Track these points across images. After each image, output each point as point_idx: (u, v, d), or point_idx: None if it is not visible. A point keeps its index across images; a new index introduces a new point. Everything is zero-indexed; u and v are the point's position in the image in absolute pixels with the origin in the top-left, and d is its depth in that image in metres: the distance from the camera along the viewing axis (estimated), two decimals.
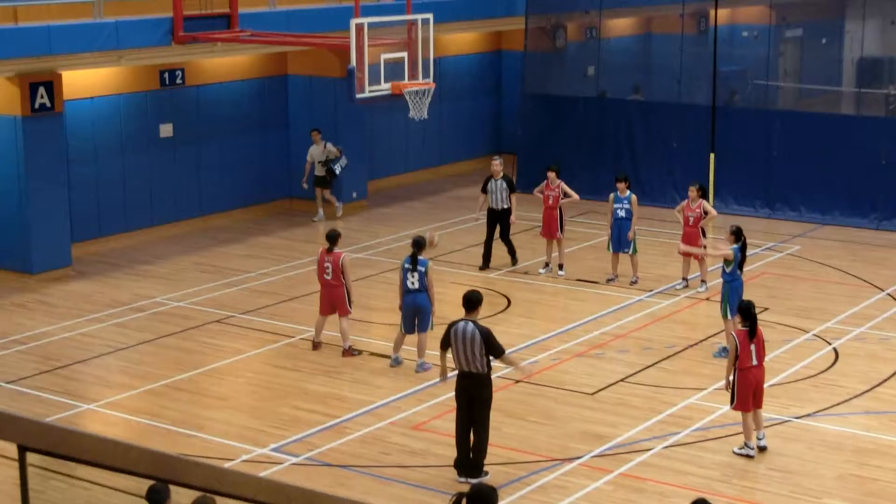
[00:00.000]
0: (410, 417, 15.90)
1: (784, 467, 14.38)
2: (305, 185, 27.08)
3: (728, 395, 14.78)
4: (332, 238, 18.28)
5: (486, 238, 23.01)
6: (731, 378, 14.59)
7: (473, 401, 13.81)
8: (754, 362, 14.45)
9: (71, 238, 23.16)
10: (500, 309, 20.74)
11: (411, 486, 13.80)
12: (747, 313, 14.59)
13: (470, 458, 13.92)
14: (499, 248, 23.04)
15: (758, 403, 14.64)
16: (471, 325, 13.70)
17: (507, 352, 14.35)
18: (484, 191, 22.90)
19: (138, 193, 25.36)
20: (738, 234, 18.22)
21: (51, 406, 16.38)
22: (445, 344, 13.96)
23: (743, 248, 18.12)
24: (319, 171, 26.89)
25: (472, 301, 13.98)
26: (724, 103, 29.33)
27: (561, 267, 22.70)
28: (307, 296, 20.93)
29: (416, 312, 17.48)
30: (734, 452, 14.66)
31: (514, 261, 23.15)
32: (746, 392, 14.44)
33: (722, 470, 14.31)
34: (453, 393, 16.53)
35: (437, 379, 15.26)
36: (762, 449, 14.66)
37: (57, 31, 21.30)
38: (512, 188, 22.80)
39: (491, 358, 13.81)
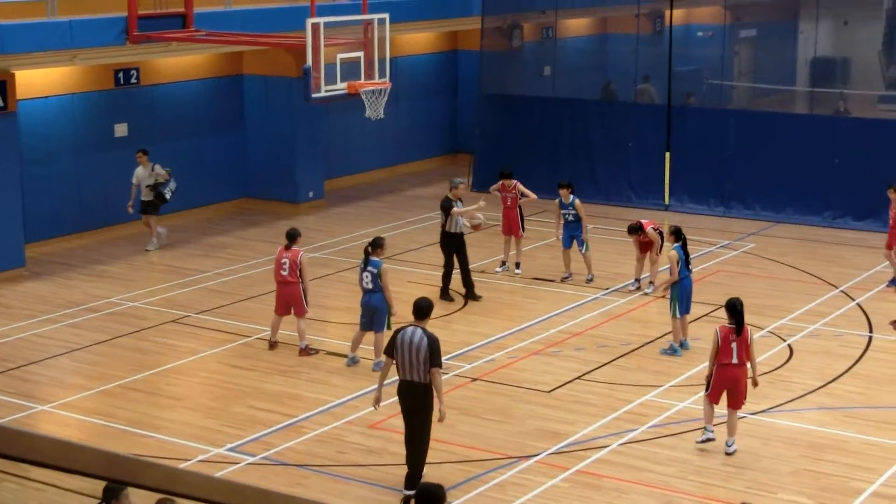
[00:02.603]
0: (367, 416, 15.88)
1: (739, 463, 14.46)
2: (131, 210, 24.44)
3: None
4: (292, 236, 18.29)
5: (445, 269, 21.24)
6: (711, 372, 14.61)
7: (412, 411, 13.48)
8: (734, 360, 14.41)
9: (24, 238, 23.00)
10: (457, 308, 20.75)
11: (368, 484, 13.79)
12: (733, 310, 14.60)
13: (408, 470, 13.63)
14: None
15: (733, 404, 14.56)
16: (419, 331, 13.37)
17: (439, 378, 13.54)
18: (445, 213, 21.01)
19: (93, 193, 25.21)
20: (677, 234, 18.36)
21: (4, 407, 16.26)
22: (390, 350, 13.55)
23: (684, 246, 18.24)
24: (147, 196, 24.46)
25: (422, 308, 13.66)
26: (680, 104, 29.48)
27: (518, 265, 22.74)
28: (263, 295, 20.89)
29: (371, 312, 17.46)
30: (697, 443, 14.69)
31: (472, 296, 21.11)
32: (720, 386, 14.49)
33: (678, 466, 14.38)
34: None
35: (372, 406, 14.47)
36: (728, 454, 14.60)
37: (10, 31, 21.12)
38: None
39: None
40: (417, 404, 13.44)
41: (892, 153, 25.69)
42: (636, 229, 21.05)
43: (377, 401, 14.03)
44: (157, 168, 24.48)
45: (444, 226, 21.17)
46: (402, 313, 18.25)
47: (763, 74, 38.03)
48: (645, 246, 21.27)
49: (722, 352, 14.43)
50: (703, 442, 14.70)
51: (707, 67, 33.55)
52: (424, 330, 13.43)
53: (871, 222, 25.40)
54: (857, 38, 37.57)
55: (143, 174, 24.50)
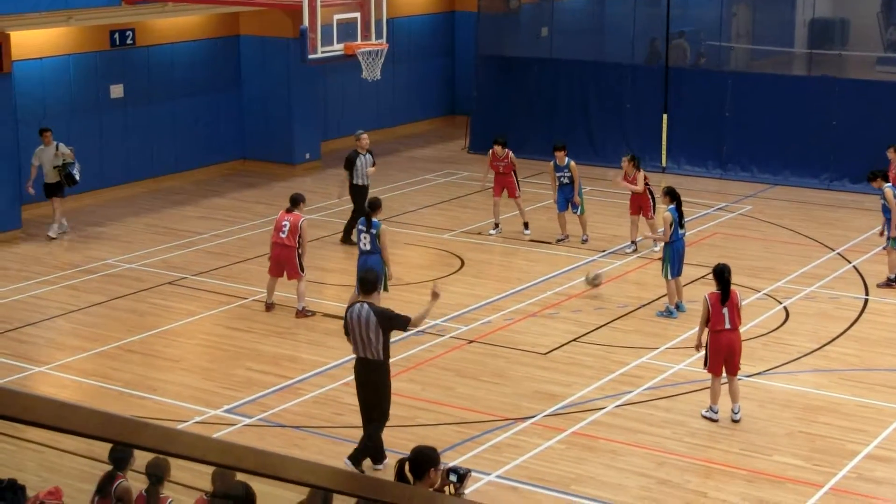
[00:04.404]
0: None
1: (734, 425, 14.50)
2: (31, 191, 22.43)
3: (700, 357, 14.88)
4: (295, 201, 18.45)
5: (352, 216, 21.82)
6: (701, 340, 14.63)
7: (367, 387, 13.14)
8: (727, 325, 14.37)
9: (20, 200, 22.96)
10: (453, 270, 20.77)
11: None
12: (720, 277, 14.56)
13: (361, 444, 13.28)
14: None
15: (731, 370, 14.51)
16: (366, 306, 12.88)
17: (415, 316, 13.15)
18: (349, 167, 21.83)
19: (89, 155, 25.09)
20: (672, 195, 18.31)
21: (1, 369, 16.29)
22: (346, 328, 13.17)
23: (678, 207, 18.21)
24: (52, 178, 22.45)
25: (365, 282, 13.18)
26: (691, 65, 29.39)
27: (526, 226, 22.69)
28: (260, 257, 20.87)
29: None
30: (702, 415, 14.69)
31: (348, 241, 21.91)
32: (718, 355, 14.40)
33: (673, 428, 14.42)
34: (408, 353, 16.62)
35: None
36: (735, 422, 14.55)
37: None
38: (374, 162, 22.30)
39: (389, 345, 13.07)
40: (372, 380, 13.10)
41: (891, 115, 25.64)
42: (633, 158, 21.11)
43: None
44: (62, 147, 22.58)
45: (350, 178, 21.75)
46: (397, 275, 18.39)
47: (761, 36, 37.87)
48: (635, 203, 21.16)
49: (714, 319, 14.40)
50: (705, 416, 14.66)
51: (705, 29, 33.42)
52: (371, 305, 12.92)
53: (868, 185, 25.29)
54: (856, 0, 37.43)
55: (46, 156, 22.48)
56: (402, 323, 13.07)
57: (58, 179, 22.56)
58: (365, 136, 22.02)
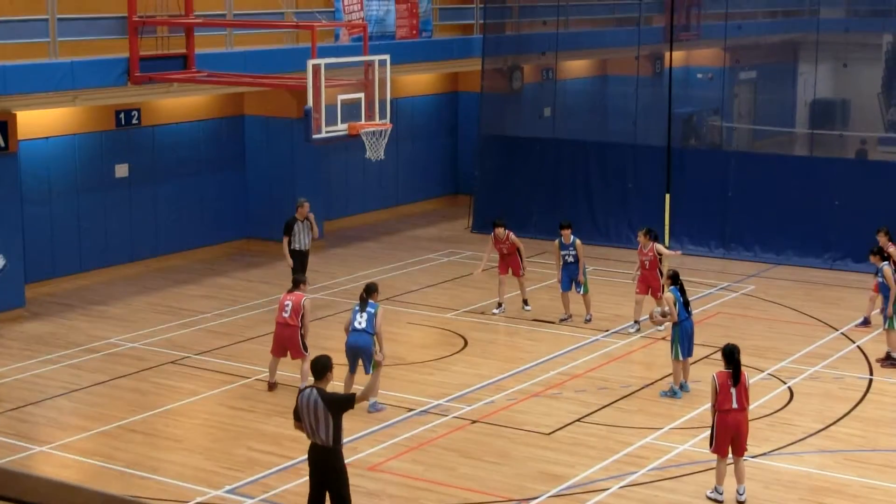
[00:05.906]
0: (366, 458, 15.84)
1: None
2: None
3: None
4: (296, 282, 18.61)
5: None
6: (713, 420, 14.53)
7: (322, 474, 12.77)
8: (734, 405, 14.31)
9: (25, 279, 22.99)
10: (457, 349, 20.74)
11: None
12: (730, 357, 14.48)
13: None
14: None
15: (738, 451, 14.39)
16: (315, 392, 12.63)
17: (360, 392, 13.20)
18: (288, 233, 22.76)
19: (93, 234, 25.24)
20: (674, 278, 18.43)
21: (2, 448, 16.20)
22: (297, 414, 12.86)
23: (681, 290, 18.26)
24: None
25: (316, 368, 12.88)
26: (681, 146, 29.55)
27: (526, 303, 22.78)
28: (262, 336, 20.86)
29: (356, 353, 17.35)
30: (707, 496, 14.58)
31: None
32: (724, 436, 14.25)
33: None
34: (410, 433, 16.56)
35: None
36: (741, 503, 14.43)
37: (12, 71, 21.19)
38: (311, 227, 23.03)
39: (340, 429, 12.66)
40: (326, 469, 12.74)
41: (892, 194, 25.73)
42: (649, 231, 21.63)
43: None
44: None
45: (289, 243, 22.70)
46: (398, 354, 18.35)
47: (763, 116, 38.19)
48: (644, 282, 21.28)
49: (721, 398, 14.30)
50: (710, 497, 14.55)
51: (707, 109, 33.67)
52: (320, 391, 12.67)
53: (870, 264, 25.37)
54: (857, 81, 37.75)
55: None
56: (349, 402, 12.82)
57: None
58: (307, 204, 22.94)
